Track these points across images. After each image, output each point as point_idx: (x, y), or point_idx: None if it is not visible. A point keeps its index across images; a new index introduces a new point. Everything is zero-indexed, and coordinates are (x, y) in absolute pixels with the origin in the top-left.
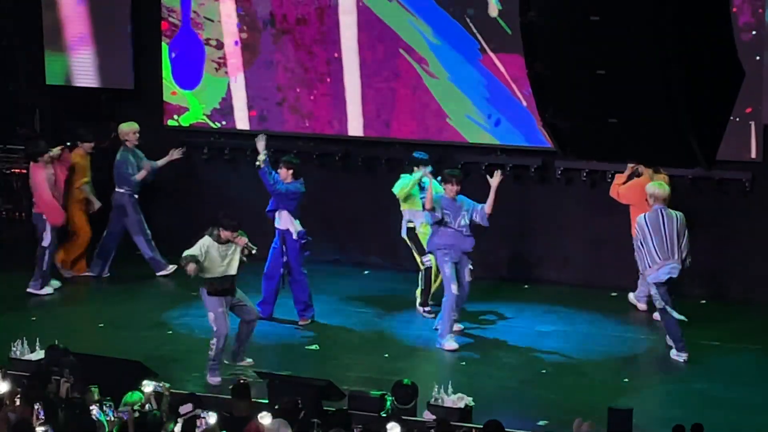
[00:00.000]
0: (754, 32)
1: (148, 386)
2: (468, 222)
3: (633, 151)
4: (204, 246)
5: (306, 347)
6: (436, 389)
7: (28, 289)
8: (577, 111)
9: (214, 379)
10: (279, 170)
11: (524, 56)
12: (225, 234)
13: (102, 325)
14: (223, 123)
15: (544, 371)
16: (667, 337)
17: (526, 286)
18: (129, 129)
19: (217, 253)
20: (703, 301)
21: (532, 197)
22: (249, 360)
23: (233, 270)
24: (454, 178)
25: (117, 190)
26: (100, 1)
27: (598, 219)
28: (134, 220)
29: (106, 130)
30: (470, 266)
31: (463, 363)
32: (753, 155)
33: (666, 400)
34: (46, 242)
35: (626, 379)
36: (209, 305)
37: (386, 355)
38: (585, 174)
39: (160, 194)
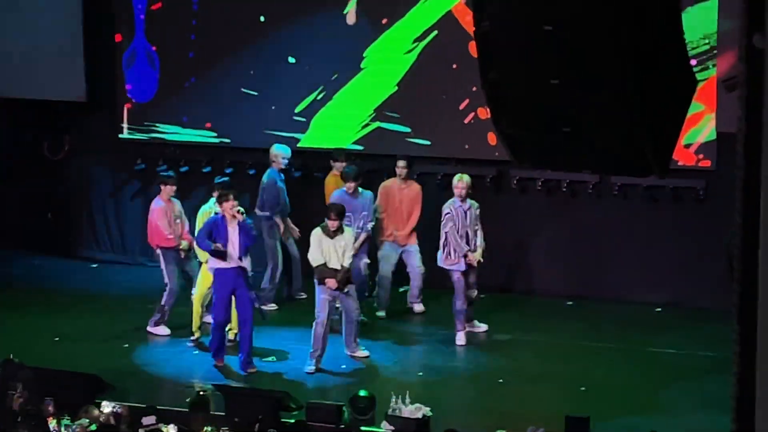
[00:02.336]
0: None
1: (106, 407)
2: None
3: (587, 159)
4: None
5: (262, 359)
6: (393, 400)
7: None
8: (532, 120)
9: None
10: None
11: (479, 66)
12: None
13: (57, 338)
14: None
15: (500, 380)
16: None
17: (482, 296)
18: (280, 152)
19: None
20: (658, 309)
21: (488, 207)
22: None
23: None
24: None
25: (257, 212)
26: (53, 11)
27: (553, 227)
28: (271, 245)
29: (61, 143)
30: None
31: (420, 373)
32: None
33: (624, 407)
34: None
35: (583, 388)
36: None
37: (343, 367)
38: (540, 183)
39: (112, 205)
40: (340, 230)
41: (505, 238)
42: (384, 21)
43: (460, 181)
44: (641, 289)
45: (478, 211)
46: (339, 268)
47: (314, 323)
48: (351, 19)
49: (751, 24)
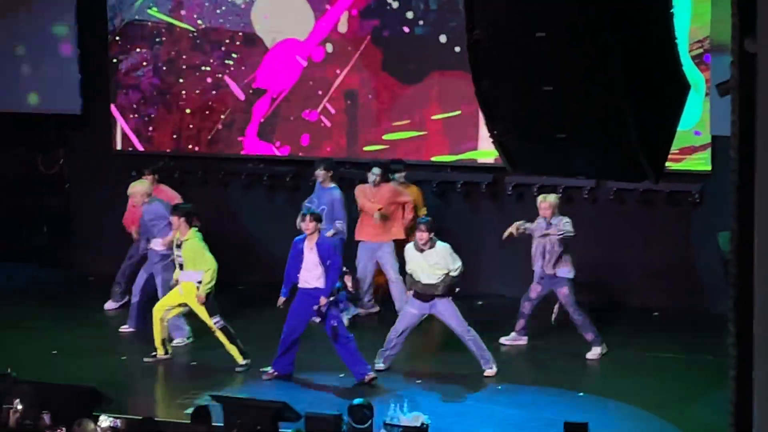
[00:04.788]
0: None
1: (104, 421)
2: None
3: (582, 165)
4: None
5: (261, 369)
6: (392, 408)
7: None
8: (526, 127)
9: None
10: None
11: (471, 74)
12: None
13: (55, 352)
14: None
15: (499, 387)
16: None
17: (479, 303)
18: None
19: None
20: (656, 313)
21: (483, 213)
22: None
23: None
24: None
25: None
26: (46, 23)
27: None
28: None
29: (55, 157)
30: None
31: (419, 381)
32: None
33: (621, 412)
34: None
35: (581, 394)
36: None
37: (341, 376)
38: (536, 189)
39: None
40: (430, 244)
41: (501, 245)
42: None
43: (543, 202)
44: (638, 293)
45: (569, 228)
46: (431, 282)
47: (393, 329)
48: None
49: (743, 28)
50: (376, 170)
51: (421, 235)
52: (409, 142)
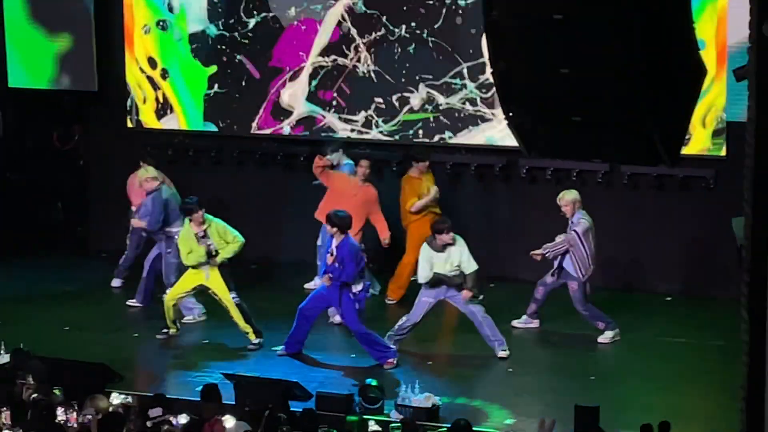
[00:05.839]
0: None
1: (116, 398)
2: None
3: (597, 149)
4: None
5: (272, 348)
6: (403, 389)
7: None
8: (541, 110)
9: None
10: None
11: (488, 55)
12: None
13: (67, 328)
14: None
15: (510, 370)
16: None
17: (491, 285)
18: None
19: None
20: (669, 298)
21: (497, 196)
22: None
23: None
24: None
25: None
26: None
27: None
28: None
29: (70, 133)
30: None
31: (430, 363)
32: None
33: (633, 397)
34: None
35: (592, 377)
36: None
37: (353, 356)
38: (550, 172)
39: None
40: (450, 243)
41: (513, 227)
42: None
43: (561, 200)
44: (651, 278)
45: (577, 229)
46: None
47: (406, 317)
48: None
49: (761, 13)
50: (366, 162)
51: (443, 237)
52: (424, 123)
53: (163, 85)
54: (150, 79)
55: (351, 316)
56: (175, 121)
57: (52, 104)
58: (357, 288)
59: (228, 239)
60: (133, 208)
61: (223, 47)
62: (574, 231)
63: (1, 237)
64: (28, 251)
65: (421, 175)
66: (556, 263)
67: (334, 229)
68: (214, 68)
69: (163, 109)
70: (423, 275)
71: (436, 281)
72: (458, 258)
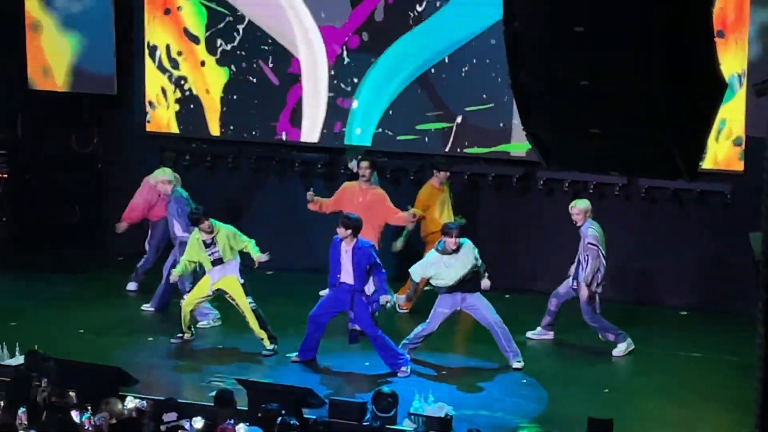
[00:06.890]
0: None
1: (131, 402)
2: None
3: (615, 162)
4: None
5: (287, 355)
6: (416, 398)
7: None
8: (561, 121)
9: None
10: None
11: (508, 67)
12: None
13: (82, 330)
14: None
15: (524, 381)
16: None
17: (507, 296)
18: None
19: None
20: (684, 312)
21: (514, 207)
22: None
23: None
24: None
25: None
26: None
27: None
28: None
29: (89, 136)
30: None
31: (444, 372)
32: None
33: (647, 410)
34: None
35: (606, 390)
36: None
37: (366, 364)
38: (567, 184)
39: None
40: (455, 250)
41: (530, 239)
42: None
43: (573, 208)
44: (667, 292)
45: (590, 239)
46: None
47: (422, 326)
48: None
49: None
50: (365, 163)
51: (448, 241)
52: (441, 133)
53: (180, 90)
54: (170, 77)
55: (365, 318)
56: (193, 127)
57: (70, 107)
58: (370, 290)
59: (240, 245)
60: (133, 208)
61: (242, 52)
62: (592, 245)
63: (18, 239)
64: (44, 253)
65: (441, 185)
66: (572, 270)
67: (348, 232)
68: (229, 74)
69: (181, 113)
70: (418, 272)
71: (453, 291)
72: (471, 258)
